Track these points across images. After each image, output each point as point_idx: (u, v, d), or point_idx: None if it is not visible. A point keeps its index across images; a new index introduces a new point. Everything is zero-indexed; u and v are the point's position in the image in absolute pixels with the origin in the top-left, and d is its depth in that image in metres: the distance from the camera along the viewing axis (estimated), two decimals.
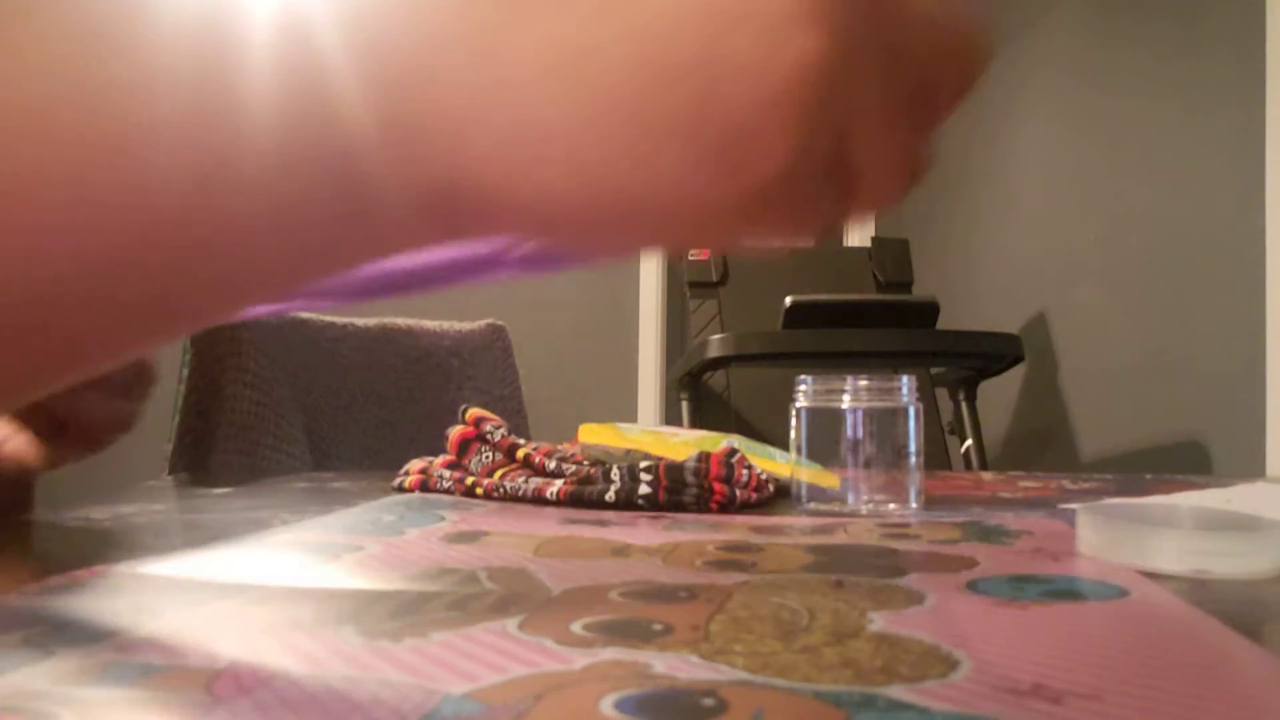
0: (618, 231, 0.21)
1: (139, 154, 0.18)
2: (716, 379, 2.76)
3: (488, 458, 0.57)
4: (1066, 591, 0.28)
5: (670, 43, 0.18)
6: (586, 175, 0.19)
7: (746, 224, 0.21)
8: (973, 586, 0.29)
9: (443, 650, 0.21)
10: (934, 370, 2.67)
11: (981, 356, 2.25)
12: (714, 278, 2.91)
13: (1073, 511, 0.40)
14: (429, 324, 1.22)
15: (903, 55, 0.20)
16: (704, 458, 0.51)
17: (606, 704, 0.18)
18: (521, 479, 0.54)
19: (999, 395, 2.89)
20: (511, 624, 0.24)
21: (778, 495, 0.55)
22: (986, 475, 0.74)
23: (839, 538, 0.40)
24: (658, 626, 0.24)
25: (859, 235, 4.02)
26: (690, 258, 2.94)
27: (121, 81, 0.18)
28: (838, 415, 0.51)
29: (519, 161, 0.19)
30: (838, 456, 0.51)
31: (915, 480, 0.51)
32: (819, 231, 0.22)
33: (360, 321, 1.16)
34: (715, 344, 2.15)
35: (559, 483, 0.52)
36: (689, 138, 0.18)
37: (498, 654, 0.21)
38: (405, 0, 0.19)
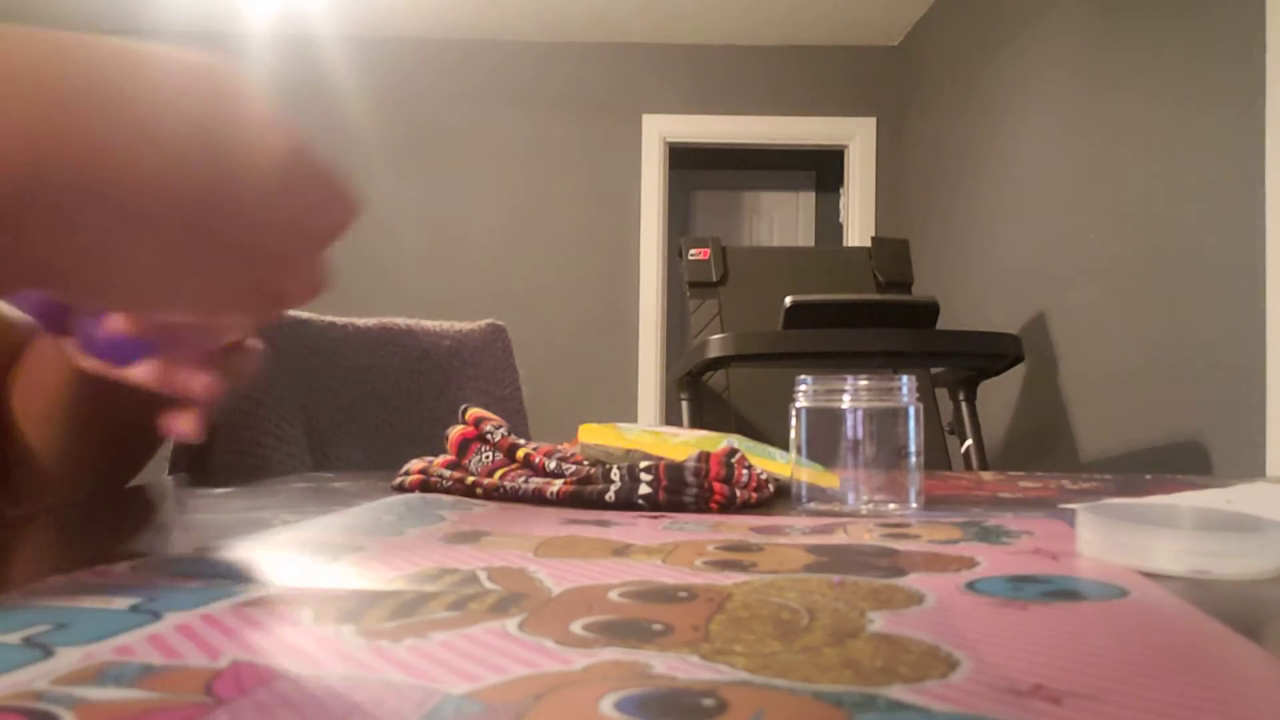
0: (180, 304, 0.32)
1: None
2: (716, 379, 2.76)
3: (488, 458, 0.57)
4: (1066, 591, 0.28)
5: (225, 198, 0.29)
6: (172, 268, 0.29)
7: (254, 301, 0.33)
8: (973, 586, 0.29)
9: (443, 650, 0.21)
10: (934, 370, 2.67)
11: (981, 356, 2.25)
12: (714, 278, 2.91)
13: (1073, 511, 0.40)
14: (429, 324, 1.22)
15: (315, 209, 0.32)
16: (704, 458, 0.51)
17: (606, 704, 0.18)
18: (521, 479, 0.54)
19: (999, 395, 2.89)
20: (511, 624, 0.24)
21: (778, 495, 0.55)
22: (986, 475, 0.74)
23: (839, 538, 0.40)
24: (658, 626, 0.24)
25: (859, 235, 4.02)
26: (690, 257, 2.93)
27: None
28: (838, 415, 0.51)
29: (123, 248, 0.28)
30: (838, 456, 0.51)
31: (915, 480, 0.51)
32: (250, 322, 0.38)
33: (360, 322, 1.16)
34: (715, 344, 2.15)
35: (559, 483, 0.52)
36: (230, 250, 0.30)
37: (498, 654, 0.21)
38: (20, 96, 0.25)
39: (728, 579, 0.30)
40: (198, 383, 0.41)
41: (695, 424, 2.47)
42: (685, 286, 2.95)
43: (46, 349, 0.53)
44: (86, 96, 0.26)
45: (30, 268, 0.28)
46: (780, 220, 5.18)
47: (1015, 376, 2.79)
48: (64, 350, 0.47)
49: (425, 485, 0.55)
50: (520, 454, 0.57)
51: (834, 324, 2.14)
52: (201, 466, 0.90)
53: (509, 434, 0.58)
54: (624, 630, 0.23)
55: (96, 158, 0.26)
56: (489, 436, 0.58)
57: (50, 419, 0.54)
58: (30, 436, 0.55)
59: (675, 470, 0.50)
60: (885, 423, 0.51)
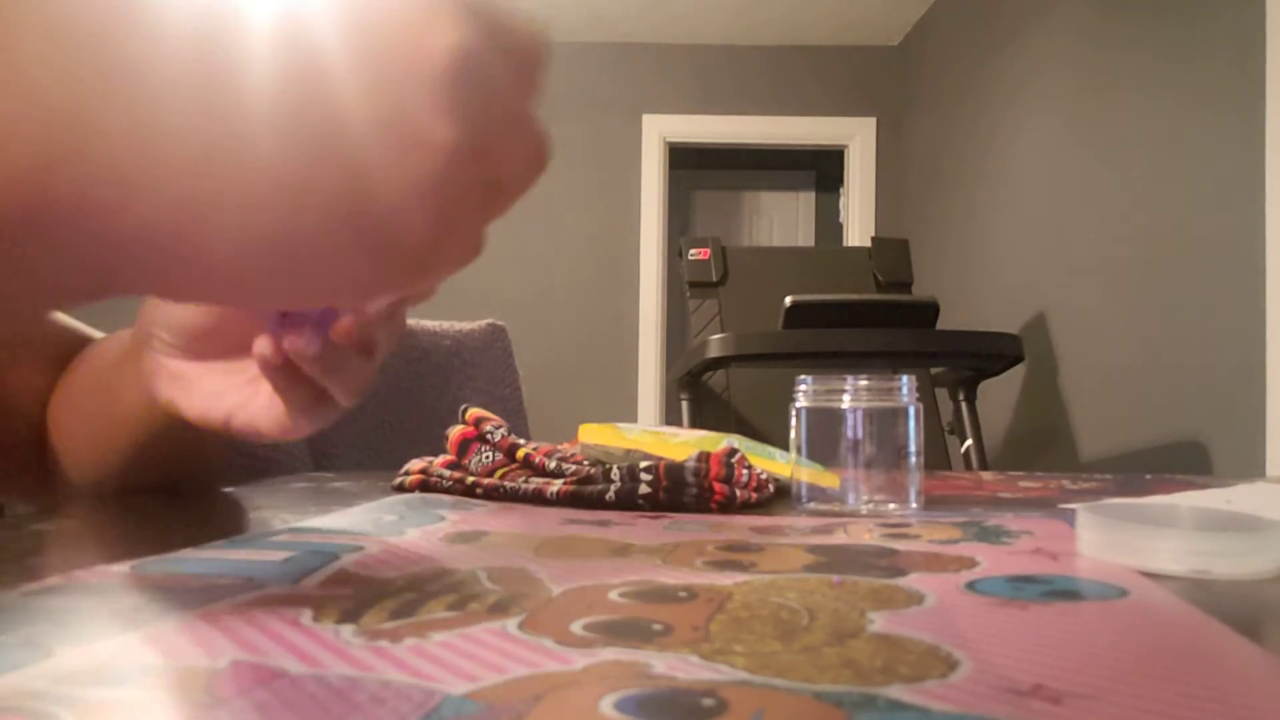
0: (285, 295, 0.25)
1: None
2: (716, 379, 2.76)
3: (488, 458, 0.57)
4: (1066, 591, 0.28)
5: (323, 145, 0.21)
6: (246, 254, 0.22)
7: (389, 286, 0.25)
8: (973, 586, 0.29)
9: (443, 650, 0.21)
10: (934, 370, 2.67)
11: (981, 356, 2.25)
12: (714, 278, 2.91)
13: (1073, 511, 0.40)
14: (429, 324, 1.22)
15: (490, 151, 0.24)
16: (704, 458, 0.51)
17: (606, 704, 0.18)
18: (521, 479, 0.54)
19: (999, 395, 2.89)
20: (511, 624, 0.24)
21: (778, 495, 0.55)
22: (986, 475, 0.74)
23: (839, 538, 0.40)
24: (658, 626, 0.24)
25: (859, 235, 4.02)
26: (690, 257, 2.93)
27: None
28: (838, 415, 0.51)
29: (183, 239, 0.22)
30: (838, 456, 0.51)
31: (915, 480, 0.51)
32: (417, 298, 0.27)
33: None
34: (715, 344, 2.15)
35: (559, 483, 0.52)
36: (346, 221, 0.22)
37: (498, 654, 0.21)
38: (61, 78, 0.20)
39: (728, 579, 0.30)
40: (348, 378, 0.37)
41: (695, 424, 2.47)
42: (685, 286, 2.95)
43: (106, 370, 0.52)
44: (106, 67, 0.21)
45: (103, 266, 0.23)
46: (780, 220, 5.18)
47: (1015, 376, 2.79)
48: (150, 385, 0.46)
49: (425, 485, 0.55)
50: (520, 454, 0.57)
51: (834, 324, 2.14)
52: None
53: (509, 434, 0.58)
54: (624, 630, 0.23)
55: (128, 138, 0.21)
56: (489, 436, 0.58)
57: (107, 443, 0.53)
58: (62, 447, 0.55)
59: (675, 470, 0.50)
60: (885, 423, 0.51)
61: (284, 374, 0.38)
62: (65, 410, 0.55)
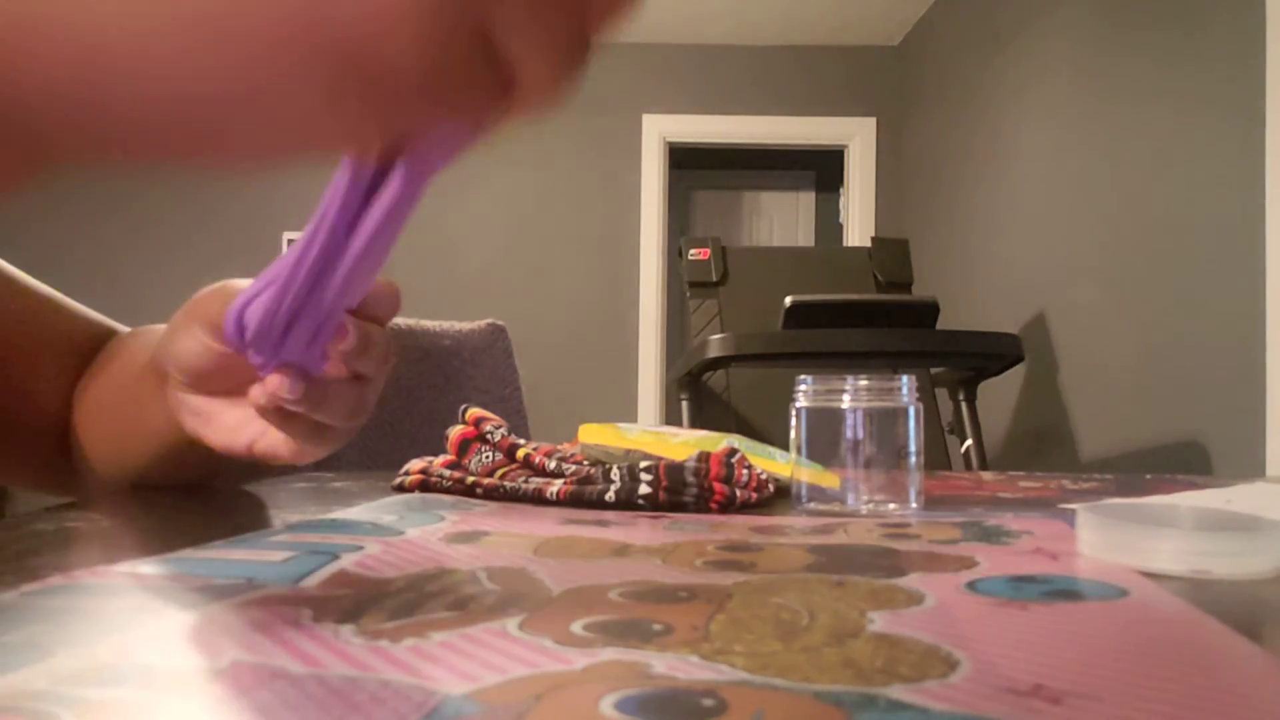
0: (238, 143, 0.20)
1: None
2: (716, 379, 2.76)
3: (488, 458, 0.57)
4: (1066, 591, 0.28)
5: None
6: (178, 94, 0.18)
7: (397, 120, 0.20)
8: (973, 586, 0.29)
9: (443, 650, 0.21)
10: (934, 370, 2.67)
11: (981, 356, 2.25)
12: (714, 278, 2.91)
13: (1073, 511, 0.40)
14: (429, 324, 1.22)
15: None
16: (704, 458, 0.51)
17: (606, 704, 0.18)
18: (521, 479, 0.54)
19: (999, 395, 2.89)
20: (511, 624, 0.24)
21: (778, 495, 0.55)
22: (986, 475, 0.74)
23: (839, 538, 0.40)
24: (658, 626, 0.24)
25: (859, 235, 4.02)
26: (690, 257, 2.93)
27: None
28: (838, 415, 0.51)
29: (97, 85, 0.18)
30: (838, 456, 0.51)
31: (915, 480, 0.51)
32: (491, 123, 0.21)
33: None
34: (715, 344, 2.15)
35: (559, 483, 0.52)
36: (302, 51, 0.17)
37: (498, 654, 0.21)
38: None
39: (728, 579, 0.30)
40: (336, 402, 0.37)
41: (695, 424, 2.47)
42: (685, 286, 2.95)
43: (133, 377, 0.52)
44: None
45: (18, 132, 0.19)
46: (780, 220, 5.18)
47: (1015, 376, 2.79)
48: (175, 415, 0.47)
49: (425, 485, 0.55)
50: (520, 454, 0.57)
51: (834, 324, 2.14)
52: None
53: (509, 434, 0.58)
54: (624, 630, 0.23)
55: None
56: (489, 436, 0.58)
57: (132, 447, 0.54)
58: (88, 443, 0.56)
59: (675, 470, 0.50)
60: (885, 423, 0.51)
61: (278, 414, 0.38)
62: (92, 409, 0.56)
